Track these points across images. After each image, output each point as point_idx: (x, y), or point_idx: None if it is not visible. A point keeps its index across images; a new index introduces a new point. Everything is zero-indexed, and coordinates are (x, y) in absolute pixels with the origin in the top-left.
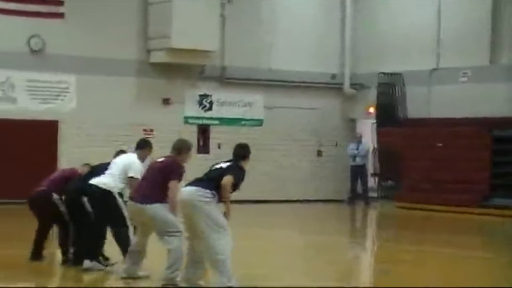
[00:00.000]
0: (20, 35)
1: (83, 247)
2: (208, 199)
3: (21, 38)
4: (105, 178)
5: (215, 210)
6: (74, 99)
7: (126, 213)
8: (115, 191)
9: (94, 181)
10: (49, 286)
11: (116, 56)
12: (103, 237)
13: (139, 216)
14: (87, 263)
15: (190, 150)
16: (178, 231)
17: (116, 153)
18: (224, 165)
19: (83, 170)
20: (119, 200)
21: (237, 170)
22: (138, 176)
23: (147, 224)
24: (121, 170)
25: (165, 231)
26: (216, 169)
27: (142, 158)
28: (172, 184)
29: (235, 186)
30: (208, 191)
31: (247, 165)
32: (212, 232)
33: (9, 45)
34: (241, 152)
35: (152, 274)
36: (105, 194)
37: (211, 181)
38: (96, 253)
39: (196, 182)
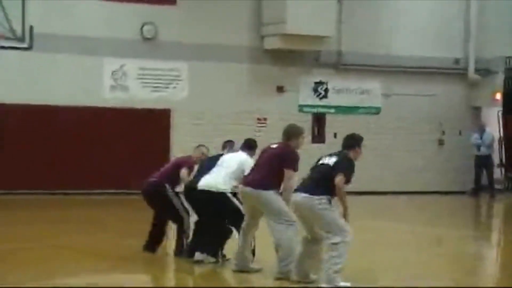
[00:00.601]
0: (133, 23)
1: (199, 241)
2: (325, 205)
3: (134, 26)
4: (213, 178)
5: (335, 213)
6: (186, 87)
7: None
8: (228, 191)
9: (203, 184)
10: (160, 276)
11: (229, 43)
12: (222, 235)
13: (251, 202)
14: (198, 255)
15: (300, 135)
16: (290, 221)
17: (224, 144)
18: (330, 160)
19: (198, 155)
20: (234, 200)
21: (346, 164)
22: None
23: (258, 210)
24: (237, 167)
25: (277, 219)
26: (324, 166)
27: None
28: (288, 173)
29: (347, 182)
30: (323, 197)
31: (359, 156)
32: (332, 237)
33: (122, 32)
34: (350, 143)
35: (265, 267)
36: (217, 198)
37: (321, 184)
38: (212, 249)
39: (307, 188)
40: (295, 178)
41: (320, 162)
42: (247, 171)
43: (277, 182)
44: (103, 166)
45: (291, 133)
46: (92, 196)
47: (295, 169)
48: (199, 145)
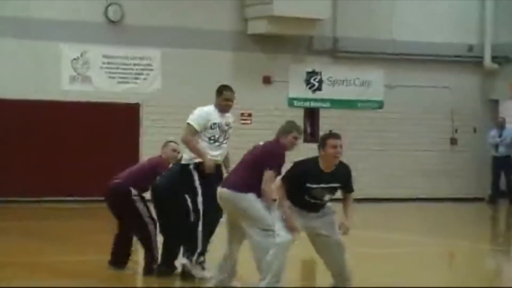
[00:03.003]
0: (95, 3)
1: (173, 252)
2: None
3: (97, 6)
4: None
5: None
6: (158, 78)
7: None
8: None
9: None
10: None
11: (208, 27)
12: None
13: (229, 206)
14: (182, 259)
15: (288, 133)
16: (269, 230)
17: None
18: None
19: (169, 153)
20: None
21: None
22: None
23: (236, 215)
24: None
25: (253, 226)
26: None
27: None
28: (266, 174)
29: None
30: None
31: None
32: None
33: (83, 14)
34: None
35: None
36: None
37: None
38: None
39: None
40: (275, 180)
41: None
42: None
43: (259, 185)
44: (61, 169)
45: (279, 130)
46: (46, 204)
47: (275, 169)
48: (168, 142)
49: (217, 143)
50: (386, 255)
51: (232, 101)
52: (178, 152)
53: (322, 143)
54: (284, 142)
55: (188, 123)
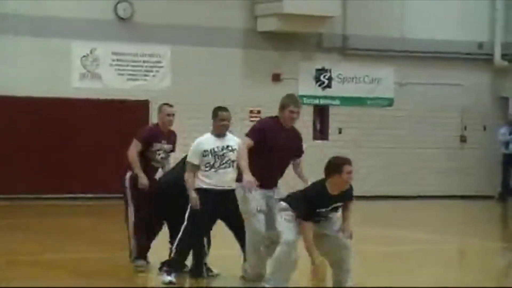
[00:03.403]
0: (106, 1)
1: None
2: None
3: (107, 4)
4: None
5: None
6: (168, 75)
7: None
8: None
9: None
10: None
11: (218, 24)
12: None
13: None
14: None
15: (287, 107)
16: (247, 214)
17: None
18: None
19: (165, 118)
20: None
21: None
22: None
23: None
24: None
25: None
26: None
27: None
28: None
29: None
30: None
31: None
32: None
33: (93, 12)
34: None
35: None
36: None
37: None
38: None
39: None
40: (245, 142)
41: None
42: None
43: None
44: (71, 167)
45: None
46: (56, 202)
47: (248, 134)
48: (162, 105)
49: (213, 169)
50: (395, 253)
51: (228, 121)
52: (173, 115)
53: (338, 169)
54: (282, 116)
55: (187, 161)
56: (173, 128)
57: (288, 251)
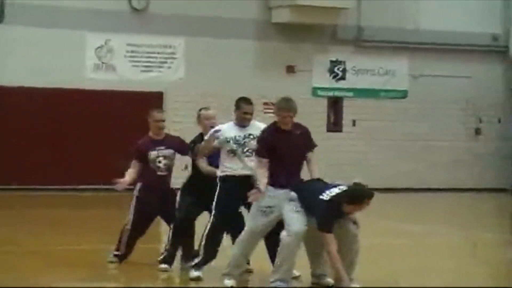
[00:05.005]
0: None
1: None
2: None
3: None
4: None
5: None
6: (182, 66)
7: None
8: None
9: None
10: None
11: (232, 15)
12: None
13: None
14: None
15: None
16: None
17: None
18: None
19: (153, 124)
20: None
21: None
22: None
23: None
24: None
25: None
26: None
27: None
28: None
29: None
30: None
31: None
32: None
33: (107, 3)
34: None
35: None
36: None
37: None
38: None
39: None
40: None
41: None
42: None
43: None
44: (85, 158)
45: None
46: (69, 193)
47: (256, 152)
48: (151, 111)
49: (236, 157)
50: (407, 245)
51: (250, 114)
52: (163, 121)
53: (360, 200)
54: (278, 120)
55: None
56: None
57: (295, 243)
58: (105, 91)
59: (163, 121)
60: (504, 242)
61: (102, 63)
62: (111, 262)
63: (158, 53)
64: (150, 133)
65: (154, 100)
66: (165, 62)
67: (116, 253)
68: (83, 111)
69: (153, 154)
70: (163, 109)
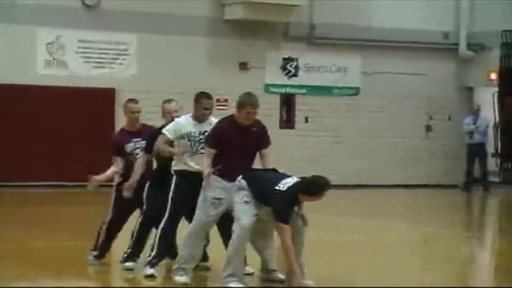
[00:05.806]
0: None
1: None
2: None
3: None
4: None
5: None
6: (134, 63)
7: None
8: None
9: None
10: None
11: (184, 12)
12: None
13: None
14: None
15: (239, 107)
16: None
17: None
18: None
19: (128, 115)
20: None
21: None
22: None
23: None
24: None
25: None
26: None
27: None
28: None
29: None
30: None
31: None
32: None
33: None
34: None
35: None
36: None
37: None
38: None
39: None
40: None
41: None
42: None
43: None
44: (36, 154)
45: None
46: (23, 189)
47: (207, 142)
48: (126, 102)
49: (188, 154)
50: (360, 242)
51: (210, 109)
52: (139, 112)
53: (319, 191)
54: (239, 116)
55: (163, 132)
56: (140, 116)
57: (244, 234)
58: (57, 87)
59: (139, 112)
60: (457, 238)
61: (54, 59)
62: (91, 264)
63: (110, 49)
64: (125, 126)
65: (106, 96)
66: (117, 59)
67: (95, 253)
68: (35, 107)
69: (129, 146)
70: (136, 99)
